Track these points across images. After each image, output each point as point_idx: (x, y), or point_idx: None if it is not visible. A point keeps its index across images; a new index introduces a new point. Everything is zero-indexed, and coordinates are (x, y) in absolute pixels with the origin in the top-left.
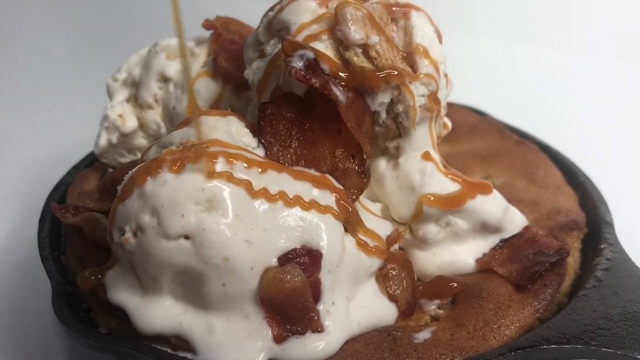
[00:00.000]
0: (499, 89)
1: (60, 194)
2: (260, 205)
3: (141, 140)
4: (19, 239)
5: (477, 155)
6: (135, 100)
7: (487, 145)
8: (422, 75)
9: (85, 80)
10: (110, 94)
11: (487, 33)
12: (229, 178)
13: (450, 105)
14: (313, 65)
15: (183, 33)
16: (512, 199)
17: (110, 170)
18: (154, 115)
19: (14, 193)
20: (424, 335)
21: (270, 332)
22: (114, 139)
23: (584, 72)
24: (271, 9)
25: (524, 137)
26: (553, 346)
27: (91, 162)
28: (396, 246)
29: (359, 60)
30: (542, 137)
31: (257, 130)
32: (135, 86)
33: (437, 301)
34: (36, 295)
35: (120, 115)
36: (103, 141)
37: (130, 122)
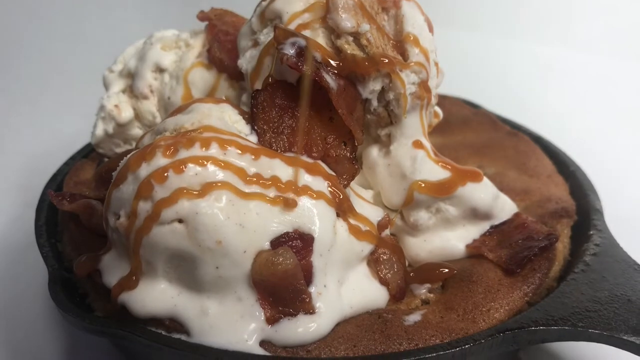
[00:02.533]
0: (492, 82)
1: (57, 183)
2: (253, 190)
3: (137, 131)
4: (17, 227)
5: (470, 146)
6: (131, 91)
7: (479, 136)
8: (413, 64)
9: (82, 73)
10: (106, 85)
11: (481, 27)
12: (223, 163)
13: (443, 98)
14: (305, 52)
15: None
16: (503, 188)
17: (106, 160)
18: (150, 106)
19: (12, 184)
20: (414, 317)
21: (262, 313)
22: (110, 129)
23: (576, 65)
24: None
25: (516, 129)
26: (541, 328)
27: (88, 152)
28: (387, 232)
29: (350, 48)
30: (534, 128)
31: (250, 118)
32: (131, 77)
33: (428, 285)
34: (33, 282)
35: (116, 106)
36: (99, 131)
37: (126, 113)
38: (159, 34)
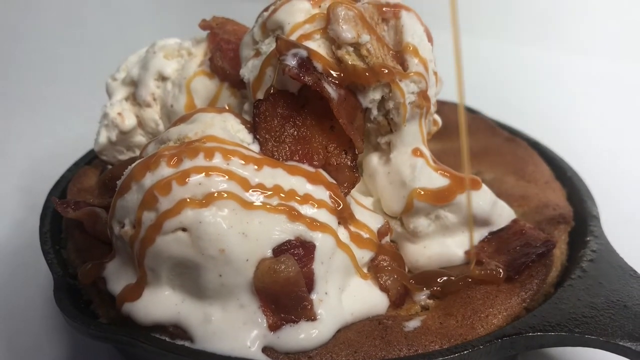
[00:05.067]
0: (490, 87)
1: (60, 190)
2: (256, 199)
3: (140, 138)
4: (21, 234)
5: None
6: (134, 98)
7: (477, 142)
8: (412, 73)
9: (85, 80)
10: (109, 93)
11: (478, 32)
12: (226, 174)
13: (442, 103)
14: (306, 63)
15: None
16: (501, 194)
17: (110, 167)
18: (152, 114)
19: (16, 190)
20: (414, 323)
21: (265, 320)
22: (113, 136)
23: (574, 71)
24: (266, 9)
25: (514, 134)
26: (538, 333)
27: (91, 159)
28: (387, 239)
29: (351, 58)
30: (532, 134)
31: (252, 127)
32: (133, 85)
33: (427, 291)
34: (36, 285)
35: (119, 114)
36: (102, 139)
37: (129, 120)
38: (161, 42)
